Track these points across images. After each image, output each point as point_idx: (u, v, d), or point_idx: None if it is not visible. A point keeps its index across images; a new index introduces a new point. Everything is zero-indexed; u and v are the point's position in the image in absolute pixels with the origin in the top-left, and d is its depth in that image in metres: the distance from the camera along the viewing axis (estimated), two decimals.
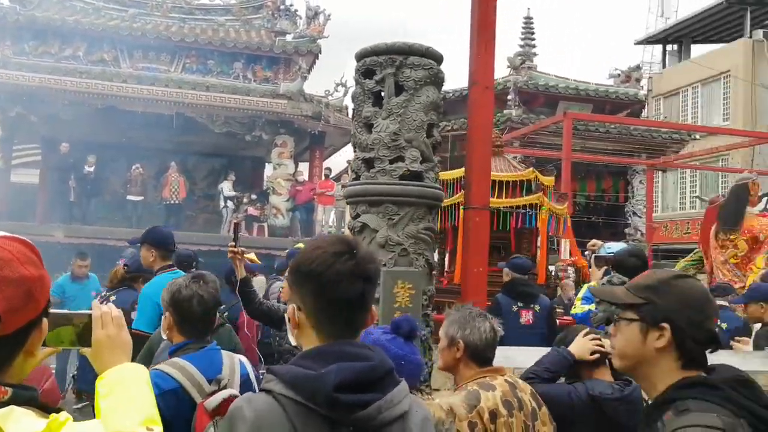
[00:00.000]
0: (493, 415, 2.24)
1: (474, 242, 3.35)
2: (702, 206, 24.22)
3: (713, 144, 17.22)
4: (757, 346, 4.66)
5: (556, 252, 10.82)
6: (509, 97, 18.51)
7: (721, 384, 1.50)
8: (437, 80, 3.40)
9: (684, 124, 22.18)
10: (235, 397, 2.15)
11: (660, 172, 20.54)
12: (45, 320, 1.27)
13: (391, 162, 3.25)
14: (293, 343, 1.52)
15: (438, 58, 3.41)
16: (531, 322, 5.15)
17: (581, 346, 2.62)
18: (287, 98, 16.77)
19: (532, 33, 21.10)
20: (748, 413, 1.46)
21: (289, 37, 18.95)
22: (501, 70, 19.54)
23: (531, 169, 6.99)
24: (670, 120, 25.06)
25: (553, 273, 8.21)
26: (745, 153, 21.94)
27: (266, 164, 19.52)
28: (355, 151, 3.44)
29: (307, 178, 18.28)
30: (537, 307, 5.23)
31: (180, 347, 2.43)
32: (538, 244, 7.12)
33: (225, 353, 2.50)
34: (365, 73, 3.41)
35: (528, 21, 21.25)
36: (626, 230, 17.22)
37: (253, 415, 1.36)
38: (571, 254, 9.45)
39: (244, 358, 2.62)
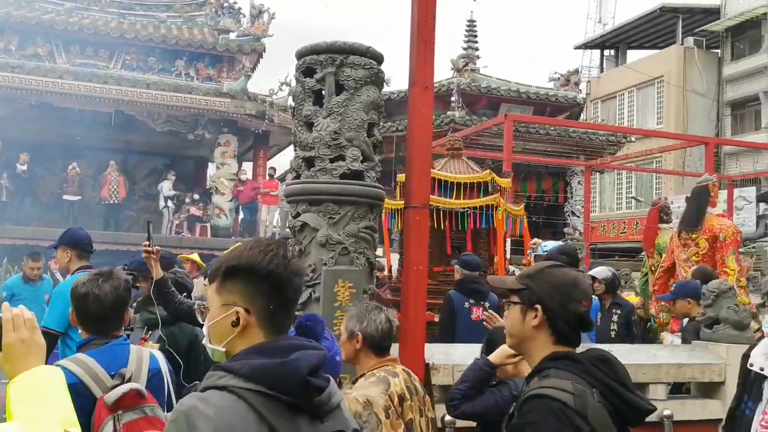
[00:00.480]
0: (401, 398, 2.45)
1: (414, 241, 3.38)
2: (637, 206, 25.11)
3: (647, 146, 17.83)
4: (685, 341, 4.86)
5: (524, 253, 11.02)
6: (452, 98, 18.75)
7: (583, 359, 1.77)
8: (378, 80, 3.42)
9: (620, 127, 22.89)
10: (137, 390, 2.14)
11: (597, 173, 21.12)
12: None
13: (332, 161, 3.26)
14: (213, 346, 1.49)
15: (378, 58, 3.44)
16: (481, 318, 5.26)
17: (499, 353, 2.73)
18: (231, 97, 16.58)
19: (475, 36, 21.41)
20: (601, 384, 1.72)
21: (232, 36, 18.73)
22: (444, 72, 19.78)
23: (488, 171, 7.10)
24: (608, 123, 25.83)
25: (512, 271, 8.37)
26: (676, 155, 22.78)
27: (210, 164, 19.23)
28: (295, 150, 3.43)
29: (250, 178, 18.10)
30: (487, 304, 5.34)
31: (85, 343, 2.41)
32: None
33: (134, 348, 2.47)
34: (306, 71, 3.41)
35: (471, 24, 21.55)
36: (565, 230, 17.66)
37: (214, 411, 1.34)
38: (525, 254, 9.64)
39: (157, 353, 2.59)
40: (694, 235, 6.46)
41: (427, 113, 3.42)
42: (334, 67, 3.32)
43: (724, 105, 25.70)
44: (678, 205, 23.09)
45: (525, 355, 1.93)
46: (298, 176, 3.37)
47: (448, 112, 18.43)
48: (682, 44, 26.37)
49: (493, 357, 2.76)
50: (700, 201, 6.59)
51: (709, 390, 4.15)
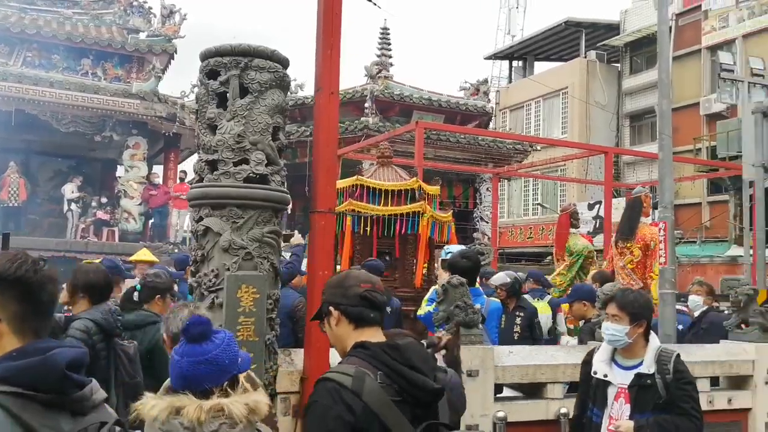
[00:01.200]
0: None
1: (320, 246, 3.39)
2: (543, 212, 26.03)
3: (552, 155, 18.56)
4: (581, 341, 5.09)
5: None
6: (366, 105, 18.89)
7: (373, 346, 2.02)
8: (283, 84, 3.41)
9: (525, 136, 23.71)
10: None
11: (505, 180, 21.79)
12: None
13: (236, 164, 3.22)
14: None
15: (284, 62, 3.43)
16: None
17: None
18: (140, 98, 16.10)
19: (389, 44, 21.63)
20: (386, 367, 1.97)
21: (142, 35, 18.20)
22: (359, 79, 19.91)
23: (415, 179, 7.29)
24: (516, 132, 26.71)
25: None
26: (579, 164, 23.83)
27: (119, 166, 18.55)
28: (198, 153, 3.37)
29: (161, 181, 17.58)
30: (388, 309, 5.40)
31: None
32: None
33: None
34: (209, 73, 3.35)
35: (385, 32, 21.76)
36: (474, 235, 18.11)
37: None
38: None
39: None
40: (629, 244, 6.84)
41: (333, 118, 3.44)
42: (238, 70, 3.29)
43: (623, 116, 27.10)
44: (581, 211, 24.09)
45: (342, 355, 2.12)
46: (201, 180, 3.31)
47: (362, 118, 18.56)
48: (585, 57, 27.63)
49: None
50: (633, 212, 6.95)
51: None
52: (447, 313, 3.89)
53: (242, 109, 3.26)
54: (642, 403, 3.06)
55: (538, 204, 26.55)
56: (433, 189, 7.50)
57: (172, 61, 18.32)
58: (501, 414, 3.92)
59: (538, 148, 21.00)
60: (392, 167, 7.42)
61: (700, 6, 23.42)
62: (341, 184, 7.08)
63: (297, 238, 6.46)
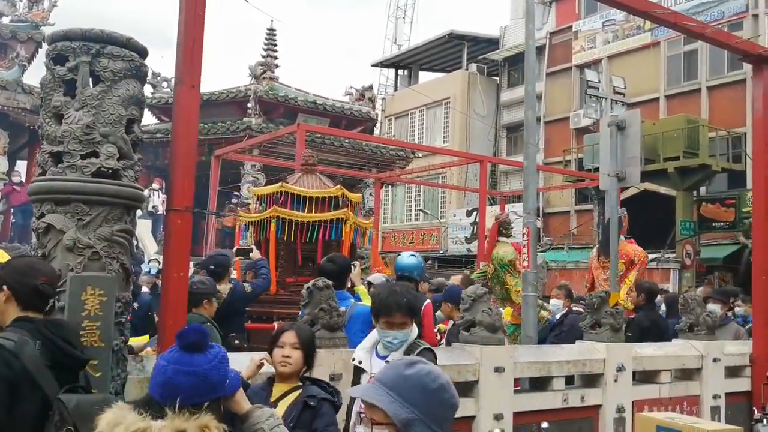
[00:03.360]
0: None
1: (175, 246, 3.22)
2: (425, 218, 26.58)
3: (433, 162, 19.00)
4: (449, 342, 5.19)
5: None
6: (249, 105, 18.55)
7: (36, 320, 2.47)
8: (140, 74, 3.22)
9: (407, 143, 24.14)
10: None
11: (389, 185, 22.08)
12: None
13: (83, 157, 2.99)
14: None
15: (141, 51, 3.24)
16: None
17: (248, 367, 2.89)
18: (1, 88, 14.93)
19: (275, 45, 21.33)
20: (44, 338, 2.40)
21: (5, 20, 16.91)
22: (243, 79, 19.50)
23: (339, 186, 7.43)
24: (400, 139, 27.15)
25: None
26: (459, 172, 24.59)
27: None
28: (42, 144, 3.11)
29: (24, 179, 16.34)
30: None
31: None
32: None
33: None
34: (56, 58, 3.11)
35: (271, 33, 21.44)
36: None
37: None
38: (374, 264, 9.80)
39: None
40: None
41: (193, 111, 3.29)
42: (89, 57, 3.07)
43: (501, 128, 28.23)
44: (460, 218, 24.69)
45: (2, 322, 2.51)
46: (44, 173, 3.05)
47: (245, 119, 18.20)
48: (467, 70, 28.56)
49: (245, 372, 2.82)
50: (612, 231, 7.31)
51: (465, 389, 4.43)
52: (311, 316, 3.83)
53: (92, 98, 3.04)
54: None
55: (420, 210, 27.10)
56: (356, 197, 7.71)
57: (39, 49, 17.12)
58: None
59: (420, 155, 21.42)
60: (316, 175, 7.59)
61: (571, 26, 24.85)
62: (266, 190, 7.35)
63: (256, 253, 6.49)
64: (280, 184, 7.21)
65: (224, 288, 5.15)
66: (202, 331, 1.97)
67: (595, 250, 8.07)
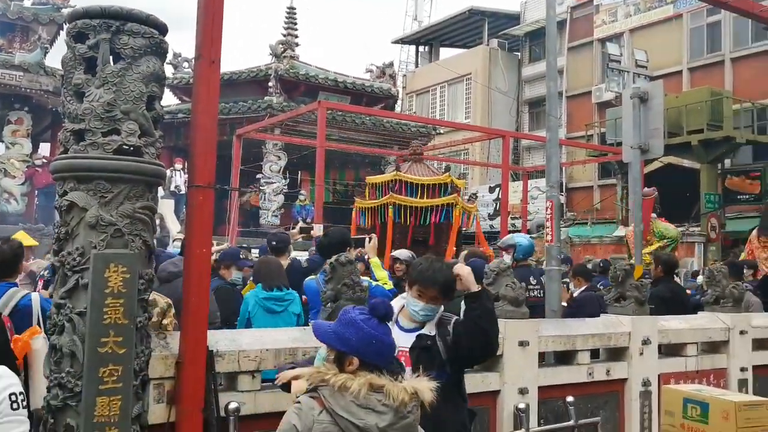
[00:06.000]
0: None
1: (197, 223, 3.22)
2: None
3: (455, 138, 18.87)
4: None
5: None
6: (270, 84, 18.54)
7: None
8: (160, 51, 3.20)
9: (428, 119, 24.01)
10: None
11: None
12: None
13: (105, 135, 2.99)
14: None
15: (161, 28, 3.21)
16: None
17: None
18: (24, 70, 15.07)
19: (295, 23, 21.26)
20: None
21: (27, 3, 17.01)
22: (263, 58, 19.51)
23: (447, 174, 8.48)
24: (421, 116, 26.99)
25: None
26: (482, 148, 24.41)
27: (0, 143, 17.31)
28: (64, 122, 3.12)
29: (47, 160, 16.55)
30: None
31: None
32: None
33: (14, 290, 3.83)
34: (77, 36, 3.10)
35: (291, 11, 21.36)
36: None
37: None
38: (480, 244, 10.15)
39: (36, 296, 3.88)
40: None
41: (213, 88, 3.27)
42: (109, 34, 3.05)
43: (523, 103, 27.93)
44: (483, 194, 24.56)
45: None
46: (66, 151, 3.06)
47: (266, 98, 18.21)
48: (488, 45, 28.22)
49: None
50: None
51: (489, 363, 4.42)
52: (335, 291, 3.83)
53: (113, 75, 3.03)
54: (423, 364, 3.05)
55: None
56: (461, 182, 8.69)
57: (61, 31, 17.22)
58: None
59: (442, 131, 21.26)
60: (423, 163, 8.59)
61: (592, 0, 24.39)
62: (382, 179, 8.46)
63: (316, 231, 6.98)
64: (394, 172, 8.23)
65: (284, 263, 5.62)
66: (386, 303, 2.31)
67: (755, 230, 8.30)
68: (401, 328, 3.16)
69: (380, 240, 7.71)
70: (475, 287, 3.16)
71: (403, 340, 3.10)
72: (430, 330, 3.13)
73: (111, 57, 3.09)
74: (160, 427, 3.13)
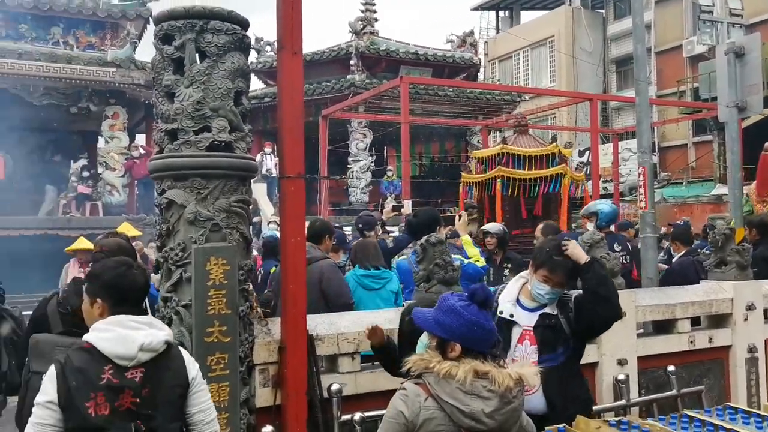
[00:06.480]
0: None
1: (290, 212, 3.29)
2: None
3: (541, 104, 18.36)
4: None
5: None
6: (352, 62, 18.57)
7: None
8: (243, 46, 3.27)
9: (511, 86, 23.44)
10: None
11: (496, 132, 21.65)
12: None
13: (196, 132, 3.10)
14: None
15: (243, 23, 3.28)
16: None
17: None
18: (116, 66, 15.69)
19: None
20: None
21: (115, 0, 17.69)
22: (343, 36, 19.59)
23: (554, 144, 8.21)
24: (505, 83, 26.40)
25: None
26: (570, 112, 23.63)
27: (100, 138, 18.25)
28: (157, 123, 3.25)
29: (143, 151, 17.32)
30: None
31: None
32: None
33: None
34: (164, 38, 3.21)
35: None
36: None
37: None
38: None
39: None
40: None
41: (297, 78, 3.31)
42: (194, 33, 3.14)
43: (609, 62, 26.77)
44: (571, 159, 23.91)
45: None
46: (161, 150, 3.19)
47: (348, 76, 18.26)
48: (570, 5, 27.16)
49: None
50: None
51: None
52: (427, 271, 3.84)
53: (200, 74, 3.13)
54: (548, 343, 3.11)
55: None
56: (567, 152, 8.54)
57: (147, 25, 17.87)
58: None
59: (526, 98, 20.74)
60: (529, 134, 8.39)
61: None
62: (488, 152, 8.27)
63: (407, 209, 7.24)
64: (500, 146, 8.05)
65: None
66: (486, 289, 2.32)
67: None
68: (524, 308, 3.21)
69: (490, 213, 7.91)
70: (585, 258, 3.15)
71: (526, 320, 3.17)
72: (552, 309, 3.17)
73: (197, 56, 3.18)
74: (267, 410, 3.26)
